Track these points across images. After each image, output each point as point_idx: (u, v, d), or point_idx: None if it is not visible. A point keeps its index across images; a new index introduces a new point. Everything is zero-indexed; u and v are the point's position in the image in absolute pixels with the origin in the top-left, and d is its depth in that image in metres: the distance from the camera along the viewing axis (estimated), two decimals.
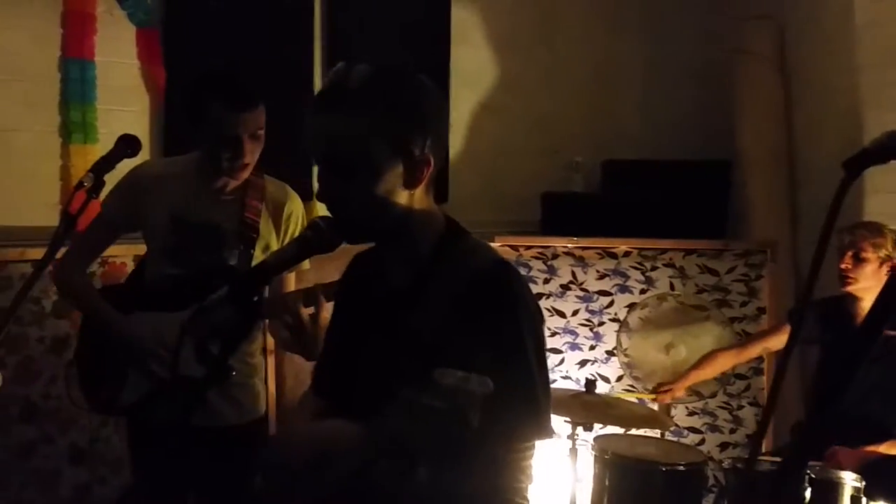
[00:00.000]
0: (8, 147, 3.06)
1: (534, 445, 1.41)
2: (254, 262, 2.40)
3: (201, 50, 3.43)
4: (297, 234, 2.47)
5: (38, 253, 2.14)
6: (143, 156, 2.63)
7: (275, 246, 2.44)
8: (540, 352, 1.42)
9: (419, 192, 1.44)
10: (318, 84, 3.80)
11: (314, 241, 1.40)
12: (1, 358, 2.91)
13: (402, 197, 1.41)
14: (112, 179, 2.26)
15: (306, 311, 1.82)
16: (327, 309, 1.96)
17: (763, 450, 3.30)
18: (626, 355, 3.83)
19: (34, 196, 3.08)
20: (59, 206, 3.08)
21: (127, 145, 2.23)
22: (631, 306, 3.85)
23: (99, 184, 2.14)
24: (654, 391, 3.36)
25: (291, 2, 3.73)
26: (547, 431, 1.41)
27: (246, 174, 2.34)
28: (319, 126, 1.38)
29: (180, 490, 2.39)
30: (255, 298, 1.34)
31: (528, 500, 1.40)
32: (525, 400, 1.37)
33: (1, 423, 2.90)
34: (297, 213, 2.49)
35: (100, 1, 3.25)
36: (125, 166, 2.32)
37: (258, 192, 2.41)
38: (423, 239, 1.47)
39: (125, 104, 3.34)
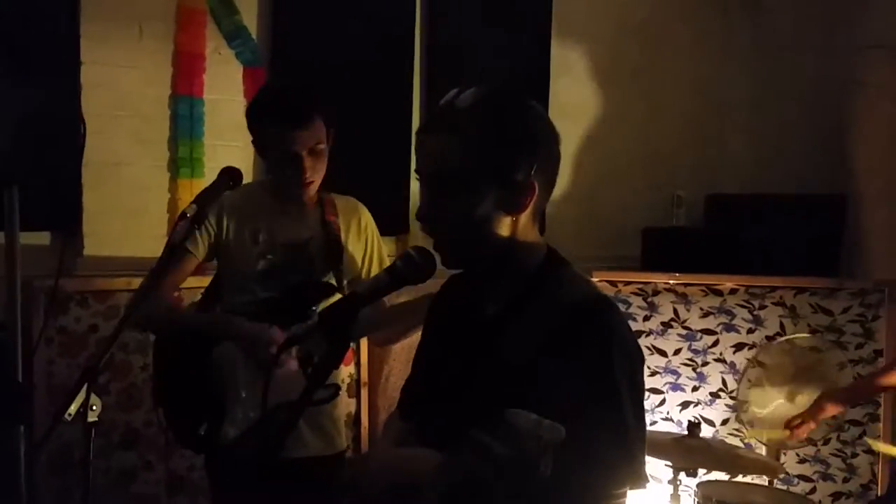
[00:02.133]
0: (119, 180, 3.17)
1: (625, 493, 1.33)
2: (342, 277, 2.42)
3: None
4: (374, 243, 2.50)
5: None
6: None
7: (358, 259, 2.46)
8: (635, 393, 1.35)
9: (524, 223, 1.41)
10: (417, 122, 3.83)
11: (406, 271, 1.38)
12: (105, 384, 2.99)
13: (505, 223, 1.39)
14: None
15: None
16: None
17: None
18: (732, 398, 3.67)
19: (142, 228, 3.18)
20: (166, 238, 3.17)
21: (229, 177, 2.26)
22: (739, 346, 3.70)
23: (201, 214, 2.19)
24: (787, 426, 3.10)
25: (393, 42, 3.78)
26: (640, 478, 1.33)
27: (313, 190, 2.36)
28: (425, 144, 1.39)
29: None
30: (347, 329, 1.33)
31: None
32: (616, 443, 1.30)
33: (102, 450, 2.97)
34: (371, 225, 2.52)
35: (209, 41, 3.35)
36: None
37: (332, 208, 2.43)
38: (521, 267, 1.43)
39: (231, 140, 3.41)
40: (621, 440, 1.30)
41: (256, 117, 2.32)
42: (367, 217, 2.52)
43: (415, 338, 1.76)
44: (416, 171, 1.42)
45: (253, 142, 2.36)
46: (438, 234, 1.41)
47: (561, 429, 1.16)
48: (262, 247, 2.36)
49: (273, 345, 2.19)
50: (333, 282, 2.42)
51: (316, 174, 2.32)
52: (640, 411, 1.36)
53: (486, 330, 1.44)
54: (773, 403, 3.50)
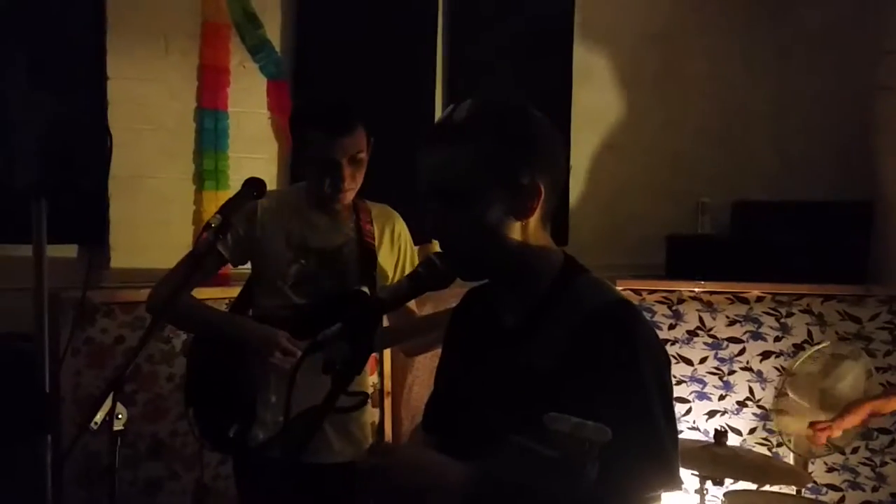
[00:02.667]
0: (145, 193, 3.21)
1: (660, 496, 1.32)
2: (375, 284, 2.42)
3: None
4: (407, 253, 2.50)
5: None
6: None
7: (390, 268, 2.46)
8: (664, 395, 1.34)
9: (534, 227, 1.40)
10: None
11: (428, 277, 1.39)
12: (131, 395, 3.02)
13: (514, 230, 1.39)
14: None
15: None
16: None
17: None
18: (759, 406, 3.64)
19: (168, 239, 3.21)
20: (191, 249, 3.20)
21: (253, 187, 2.30)
22: (766, 354, 3.66)
23: (226, 225, 2.21)
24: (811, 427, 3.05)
25: (415, 52, 3.80)
26: (674, 480, 1.32)
27: (349, 198, 2.36)
28: (427, 159, 1.39)
29: None
30: (370, 334, 1.34)
31: None
32: (648, 446, 1.28)
33: (129, 460, 2.99)
34: (405, 233, 2.52)
35: (233, 55, 3.38)
36: None
37: (367, 215, 2.44)
38: (539, 275, 1.43)
39: (255, 152, 3.45)
40: (654, 445, 1.29)
41: (300, 123, 2.34)
42: (401, 225, 2.52)
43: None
44: (420, 188, 1.41)
45: (295, 147, 2.36)
46: (451, 248, 1.41)
47: (606, 430, 1.15)
48: (295, 251, 2.37)
49: (279, 349, 2.22)
50: (366, 290, 2.41)
51: (354, 183, 2.32)
52: (671, 413, 1.35)
53: (507, 341, 1.43)
54: (805, 413, 3.45)
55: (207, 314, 2.44)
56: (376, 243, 2.44)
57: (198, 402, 2.40)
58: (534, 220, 1.40)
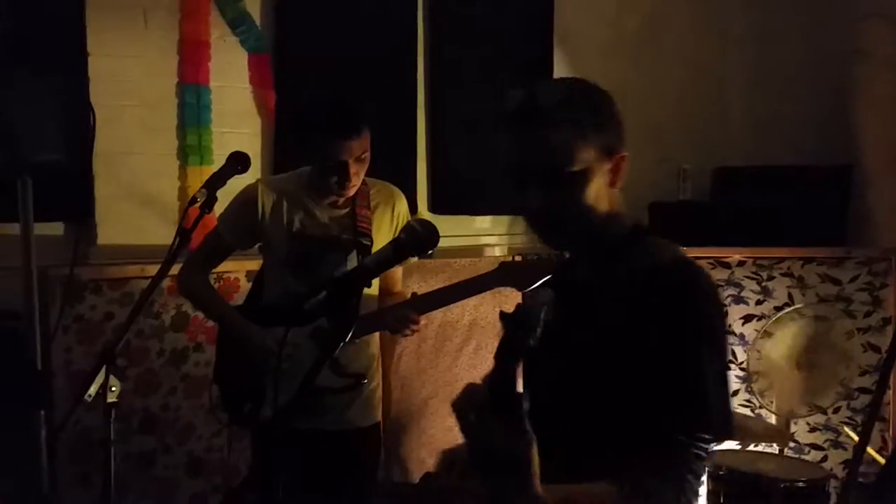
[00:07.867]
0: (129, 169, 3.21)
1: (703, 442, 1.32)
2: None
3: (310, 73, 3.53)
4: None
5: (156, 270, 2.24)
6: (254, 174, 2.73)
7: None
8: (715, 347, 1.38)
9: (616, 193, 1.51)
10: (422, 101, 3.85)
11: (409, 242, 1.42)
12: (123, 370, 3.04)
13: (606, 197, 1.48)
14: (223, 195, 2.35)
15: None
16: None
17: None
18: (742, 369, 3.70)
19: (153, 216, 3.22)
20: (177, 224, 3.20)
21: (238, 162, 2.35)
22: (748, 318, 3.72)
23: (212, 199, 2.24)
24: None
25: (397, 25, 3.79)
26: (710, 426, 1.33)
27: (354, 191, 2.46)
28: (523, 144, 1.44)
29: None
30: (353, 301, 1.37)
31: (693, 499, 1.34)
32: (693, 394, 1.32)
33: (122, 434, 3.00)
34: (403, 210, 2.61)
35: (213, 28, 3.37)
36: (238, 182, 2.46)
37: (364, 200, 2.52)
38: (615, 237, 1.51)
39: (238, 127, 3.45)
40: (698, 390, 1.32)
41: (306, 127, 2.41)
42: (400, 204, 2.60)
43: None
44: (512, 171, 1.46)
45: (298, 146, 2.47)
46: (552, 224, 1.47)
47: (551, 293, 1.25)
48: (293, 238, 2.47)
49: (266, 353, 2.38)
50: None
51: (358, 179, 2.42)
52: (720, 363, 1.38)
53: (579, 296, 1.49)
54: (784, 373, 3.51)
55: (212, 309, 2.65)
56: (374, 227, 2.51)
57: (221, 380, 2.58)
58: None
